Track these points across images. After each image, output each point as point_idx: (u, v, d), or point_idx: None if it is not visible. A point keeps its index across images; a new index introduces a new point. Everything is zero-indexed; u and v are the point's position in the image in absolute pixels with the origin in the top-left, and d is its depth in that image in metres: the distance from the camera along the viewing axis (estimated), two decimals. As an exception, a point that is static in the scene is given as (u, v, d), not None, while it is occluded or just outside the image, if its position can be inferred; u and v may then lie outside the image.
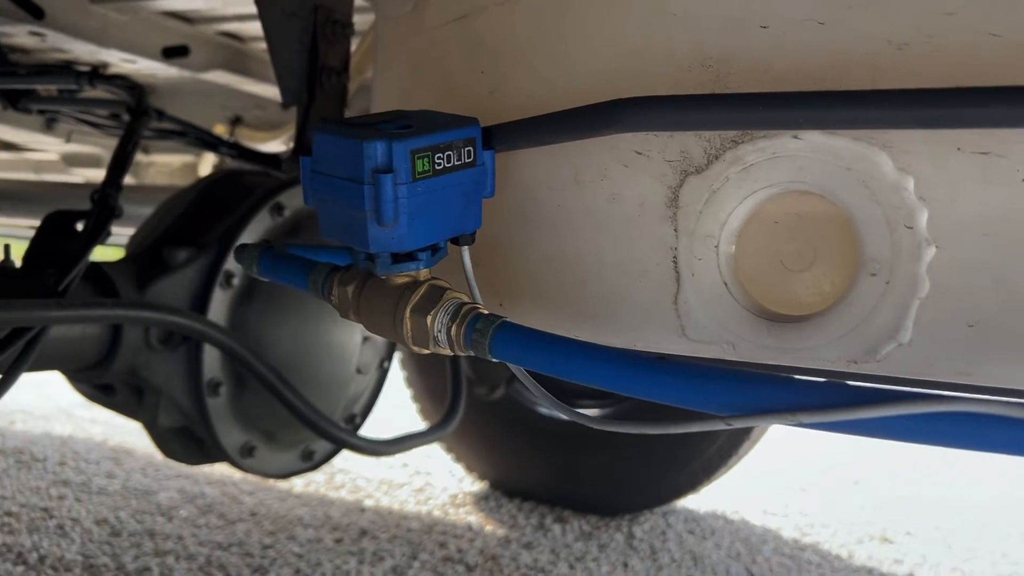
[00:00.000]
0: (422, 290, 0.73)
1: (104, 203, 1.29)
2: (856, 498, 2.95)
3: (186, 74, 2.00)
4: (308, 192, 0.73)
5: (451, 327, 0.71)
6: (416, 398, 2.76)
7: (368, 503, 2.61)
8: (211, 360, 1.37)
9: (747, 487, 2.89)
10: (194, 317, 1.27)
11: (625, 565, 2.23)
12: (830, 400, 0.52)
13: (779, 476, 3.10)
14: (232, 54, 2.04)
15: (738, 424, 0.55)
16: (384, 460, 3.01)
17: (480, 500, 2.68)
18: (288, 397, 1.35)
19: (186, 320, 1.25)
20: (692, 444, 2.44)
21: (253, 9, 1.84)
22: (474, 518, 2.52)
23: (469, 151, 0.73)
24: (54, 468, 2.65)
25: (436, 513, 2.56)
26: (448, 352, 0.73)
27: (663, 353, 0.67)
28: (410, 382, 2.75)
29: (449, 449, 2.76)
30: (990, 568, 2.36)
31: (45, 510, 2.28)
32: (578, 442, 2.59)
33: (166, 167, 2.65)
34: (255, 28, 1.97)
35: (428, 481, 2.86)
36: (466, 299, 0.73)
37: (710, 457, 2.47)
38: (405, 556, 2.17)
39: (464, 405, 1.71)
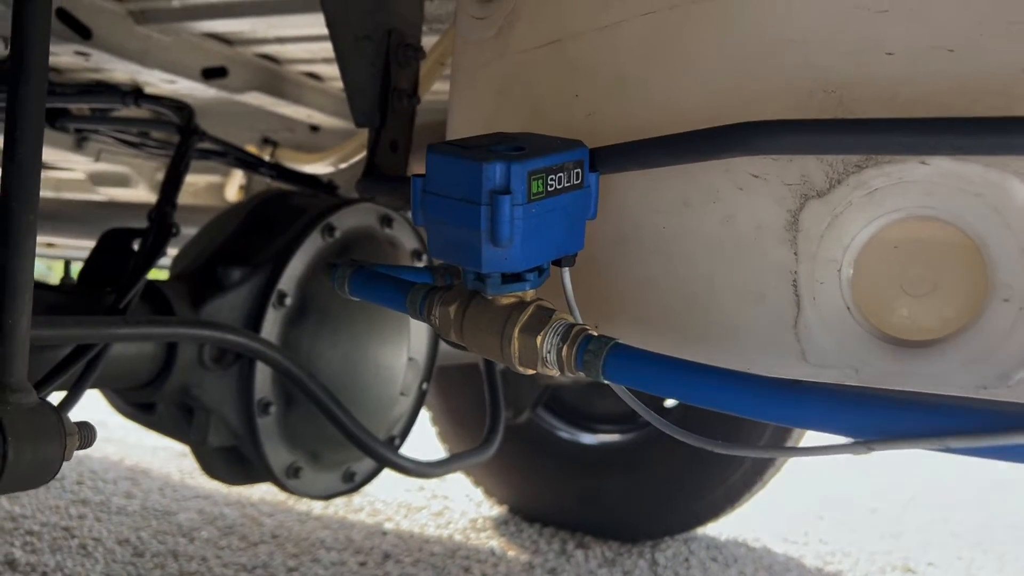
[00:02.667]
0: (530, 310, 0.73)
1: (162, 221, 1.29)
2: (875, 526, 2.94)
3: (222, 95, 2.01)
4: (418, 212, 0.73)
5: (561, 348, 0.71)
6: (435, 420, 2.75)
7: (388, 526, 2.59)
8: (262, 379, 1.36)
9: (765, 514, 2.88)
10: (254, 337, 1.26)
11: (651, 592, 2.22)
12: (980, 424, 0.52)
13: (795, 504, 3.10)
14: (269, 76, 2.05)
15: (879, 449, 0.55)
16: (401, 484, 3.00)
17: (500, 525, 2.67)
18: (340, 417, 1.34)
19: (246, 340, 1.24)
20: (717, 470, 2.43)
21: (294, 31, 1.86)
22: (496, 543, 2.50)
23: (578, 173, 0.73)
24: (72, 487, 2.62)
25: (457, 537, 2.54)
26: (556, 373, 0.73)
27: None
28: (430, 404, 2.74)
29: (468, 473, 2.75)
30: (1015, 598, 2.36)
31: (66, 529, 2.26)
32: (600, 468, 2.58)
33: (191, 187, 2.66)
34: (293, 51, 1.98)
35: (446, 505, 2.84)
36: (573, 320, 0.73)
37: (734, 484, 2.46)
38: (431, 581, 2.15)
39: (502, 428, 1.70)
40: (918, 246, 0.64)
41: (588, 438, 2.66)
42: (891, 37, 0.63)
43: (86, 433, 0.70)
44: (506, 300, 0.75)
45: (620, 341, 0.69)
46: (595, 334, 0.71)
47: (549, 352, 0.72)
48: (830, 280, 0.65)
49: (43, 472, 0.66)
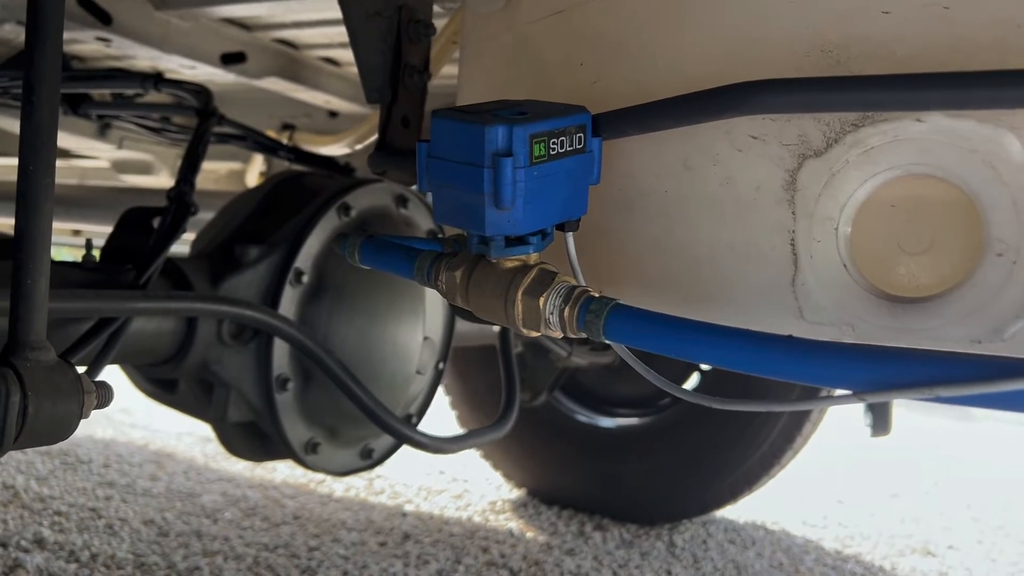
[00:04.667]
0: (533, 273, 0.75)
1: (180, 200, 1.32)
2: (895, 511, 2.93)
3: (241, 80, 2.04)
4: (424, 177, 0.74)
5: (563, 309, 0.73)
6: (454, 404, 2.77)
7: (408, 508, 2.62)
8: (280, 356, 1.39)
9: (784, 498, 2.88)
10: (271, 313, 1.29)
11: (668, 573, 2.23)
12: (969, 373, 0.53)
13: (815, 487, 3.09)
14: (286, 61, 2.07)
15: (871, 399, 0.56)
16: (421, 467, 3.03)
17: (519, 507, 2.68)
18: (358, 393, 1.36)
19: (264, 315, 1.27)
20: (736, 452, 2.44)
21: (311, 15, 1.88)
22: (514, 524, 2.52)
23: (580, 137, 0.75)
24: (99, 470, 2.67)
25: (476, 519, 2.56)
26: (559, 335, 0.74)
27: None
28: (448, 388, 2.76)
29: (487, 456, 2.77)
30: (1036, 581, 2.35)
31: (93, 510, 2.30)
32: (619, 450, 2.59)
33: (213, 173, 2.69)
34: (310, 35, 2.00)
35: (466, 488, 2.87)
36: (575, 283, 0.75)
37: (752, 466, 2.46)
38: (449, 560, 2.18)
39: (518, 405, 1.72)
40: (914, 204, 0.65)
41: (606, 421, 2.67)
42: (887, -4, 0.64)
43: (104, 392, 0.73)
44: (510, 263, 0.76)
45: (620, 301, 0.70)
46: (596, 295, 0.72)
47: (552, 314, 0.73)
48: (827, 238, 0.66)
49: (61, 428, 0.68)
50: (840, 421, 3.25)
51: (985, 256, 0.61)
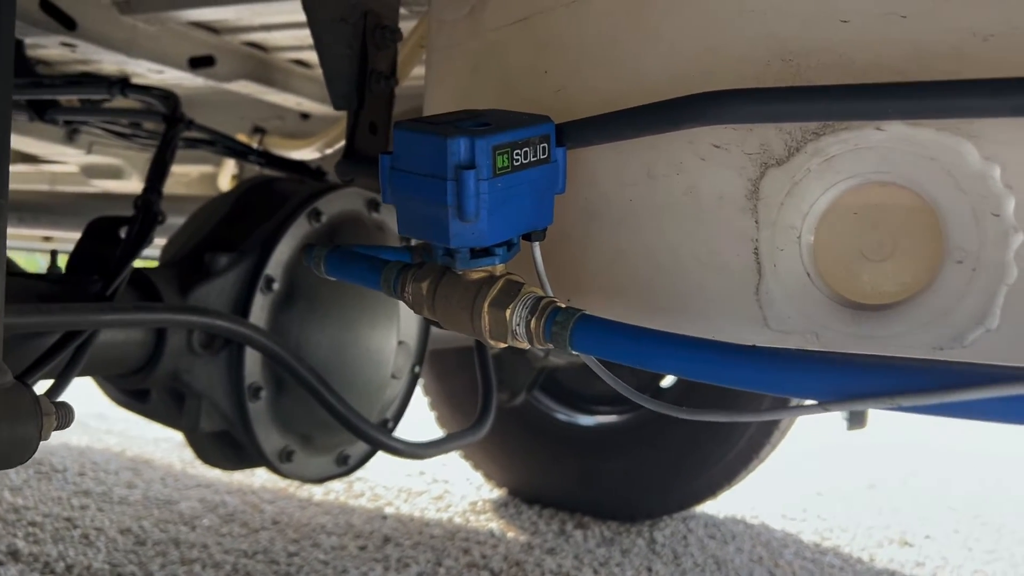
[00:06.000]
0: (499, 284, 0.74)
1: (147, 209, 1.30)
2: (872, 502, 2.96)
3: (210, 84, 2.02)
4: (387, 189, 0.74)
5: (530, 320, 0.72)
6: (433, 405, 2.76)
7: (389, 511, 2.61)
8: (252, 364, 1.38)
9: (763, 492, 2.90)
10: (241, 322, 1.28)
11: (649, 570, 2.23)
12: (930, 383, 0.53)
13: (794, 481, 3.11)
14: (256, 64, 2.05)
15: (835, 409, 0.56)
16: (402, 469, 3.02)
17: (500, 507, 2.68)
18: (330, 400, 1.35)
19: (233, 324, 1.25)
20: (714, 448, 2.45)
21: (279, 18, 1.87)
22: (495, 525, 2.52)
23: (544, 147, 0.74)
24: (74, 479, 2.65)
25: (457, 520, 2.56)
26: (525, 346, 0.74)
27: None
28: (427, 389, 2.75)
29: (467, 456, 2.77)
30: (1012, 570, 2.37)
31: (68, 520, 2.28)
32: (598, 449, 2.60)
33: (184, 177, 2.66)
34: (280, 38, 1.98)
35: (447, 489, 2.86)
36: (542, 293, 0.74)
37: (731, 461, 2.47)
38: (430, 563, 2.17)
39: (495, 407, 1.72)
40: (876, 212, 0.65)
41: (586, 419, 2.67)
42: (846, 5, 0.64)
43: (63, 413, 0.72)
44: (476, 275, 0.76)
45: (586, 312, 0.70)
46: (563, 306, 0.72)
47: (518, 325, 0.73)
48: (790, 247, 0.66)
49: (20, 451, 0.67)
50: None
51: (945, 264, 0.61)
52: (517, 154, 0.71)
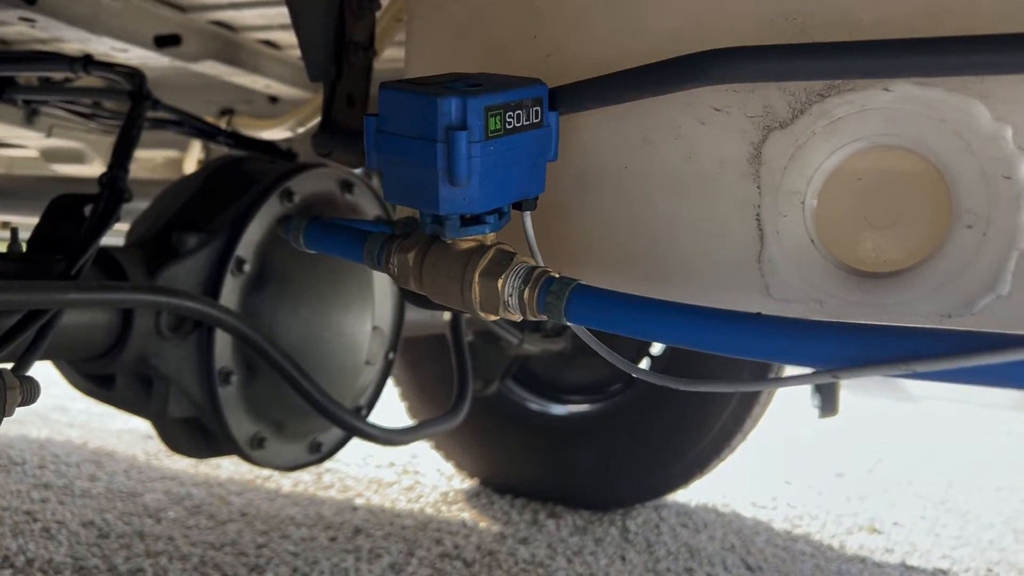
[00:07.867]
0: (490, 254, 0.72)
1: (113, 186, 1.25)
2: (841, 490, 2.97)
3: (176, 64, 1.96)
4: (372, 153, 0.70)
5: (523, 291, 0.70)
6: (404, 396, 2.73)
7: (359, 502, 2.57)
8: (222, 348, 1.33)
9: (733, 481, 2.90)
10: (211, 303, 1.23)
11: (623, 558, 2.22)
12: (944, 348, 0.52)
13: (763, 469, 3.12)
14: (224, 44, 2.00)
15: (846, 376, 0.54)
16: (372, 460, 2.98)
17: (472, 497, 2.66)
18: (303, 385, 1.32)
19: (203, 306, 1.21)
20: (686, 437, 2.44)
21: (248, -4, 1.82)
22: (467, 515, 2.49)
23: (537, 111, 0.72)
24: (34, 471, 2.57)
25: (429, 511, 2.52)
26: (518, 317, 0.71)
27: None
28: (398, 379, 2.71)
29: (438, 447, 2.73)
30: (979, 555, 2.40)
31: (28, 513, 2.21)
32: (570, 437, 2.58)
33: (149, 162, 2.60)
34: (249, 16, 1.93)
35: (417, 480, 2.83)
36: (535, 263, 0.72)
37: (703, 449, 2.47)
38: (402, 553, 2.14)
39: (471, 394, 1.69)
40: (882, 177, 0.63)
41: (558, 408, 2.65)
42: (852, -39, 0.62)
43: (29, 387, 0.68)
44: (466, 244, 0.73)
45: (582, 282, 0.68)
46: (557, 276, 0.69)
47: (511, 296, 0.70)
48: (793, 213, 0.64)
49: (-17, 427, 0.63)
50: (783, 402, 3.30)
51: (954, 228, 0.59)
52: (510, 116, 0.69)
